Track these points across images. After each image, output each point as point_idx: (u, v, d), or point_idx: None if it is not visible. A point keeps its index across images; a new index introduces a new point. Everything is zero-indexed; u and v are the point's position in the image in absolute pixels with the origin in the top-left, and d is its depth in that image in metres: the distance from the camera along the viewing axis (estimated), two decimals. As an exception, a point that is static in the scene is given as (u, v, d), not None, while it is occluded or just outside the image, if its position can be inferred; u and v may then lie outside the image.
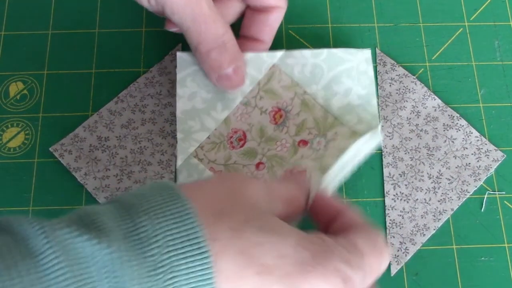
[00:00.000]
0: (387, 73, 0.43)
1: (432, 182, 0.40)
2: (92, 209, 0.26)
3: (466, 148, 0.41)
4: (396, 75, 0.43)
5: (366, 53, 0.41)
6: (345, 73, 0.40)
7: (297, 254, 0.27)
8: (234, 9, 0.40)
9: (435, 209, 0.39)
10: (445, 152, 0.41)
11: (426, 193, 0.40)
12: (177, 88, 0.39)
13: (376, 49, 0.44)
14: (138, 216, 0.25)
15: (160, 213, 0.26)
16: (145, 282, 0.24)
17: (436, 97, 0.42)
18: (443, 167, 0.41)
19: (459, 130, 0.42)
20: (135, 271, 0.24)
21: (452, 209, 0.40)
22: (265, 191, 0.30)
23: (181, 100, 0.39)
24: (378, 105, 0.41)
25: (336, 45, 0.44)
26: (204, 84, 0.39)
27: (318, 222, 0.33)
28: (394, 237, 0.39)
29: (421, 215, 0.39)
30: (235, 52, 0.38)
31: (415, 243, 0.39)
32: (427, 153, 0.41)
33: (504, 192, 0.40)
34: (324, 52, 0.40)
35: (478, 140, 0.41)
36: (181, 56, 0.39)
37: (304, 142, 0.39)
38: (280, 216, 0.30)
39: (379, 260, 0.29)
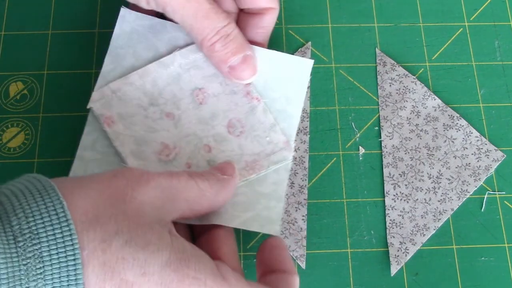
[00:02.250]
0: (387, 73, 0.43)
1: (432, 182, 0.40)
2: None
3: (466, 148, 0.41)
4: (396, 75, 0.43)
5: (308, 63, 0.40)
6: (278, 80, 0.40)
7: (163, 275, 0.27)
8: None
9: (435, 209, 0.39)
10: (445, 152, 0.41)
11: (426, 193, 0.40)
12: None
13: (376, 49, 0.44)
14: (9, 221, 0.26)
15: (32, 217, 0.26)
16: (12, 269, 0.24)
17: (436, 97, 0.42)
18: (443, 167, 0.41)
19: (459, 130, 0.42)
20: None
21: (452, 209, 0.40)
22: (162, 194, 0.29)
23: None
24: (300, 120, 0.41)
25: (336, 45, 0.44)
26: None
27: (259, 264, 0.33)
28: (394, 237, 0.39)
29: (421, 215, 0.39)
30: (240, 41, 0.37)
31: (415, 243, 0.39)
32: (427, 153, 0.41)
33: (504, 192, 0.40)
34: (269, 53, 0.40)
35: (478, 140, 0.41)
36: (123, 12, 0.39)
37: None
38: (184, 215, 0.31)
39: None
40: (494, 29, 0.45)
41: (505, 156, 0.41)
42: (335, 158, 0.41)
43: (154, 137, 0.37)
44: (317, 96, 0.43)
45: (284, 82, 0.40)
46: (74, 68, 0.43)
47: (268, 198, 0.37)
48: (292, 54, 0.43)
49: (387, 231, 0.39)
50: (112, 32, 0.44)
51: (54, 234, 0.25)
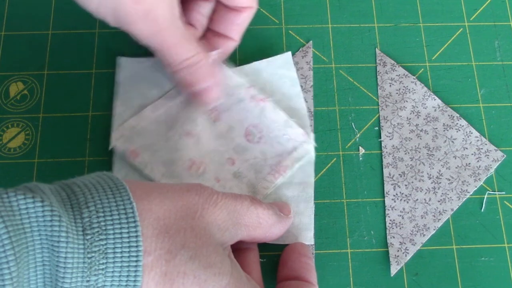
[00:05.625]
0: (387, 73, 0.43)
1: (432, 182, 0.40)
2: (42, 184, 0.26)
3: (466, 148, 0.41)
4: (396, 75, 0.43)
5: (286, 56, 0.42)
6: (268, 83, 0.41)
7: None
8: (207, 9, 0.40)
9: (435, 209, 0.39)
10: (445, 152, 0.41)
11: (426, 193, 0.40)
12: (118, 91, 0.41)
13: (376, 49, 0.44)
14: (80, 212, 0.26)
15: (102, 213, 0.26)
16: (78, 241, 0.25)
17: (436, 97, 0.42)
18: (443, 167, 0.41)
19: (459, 130, 0.42)
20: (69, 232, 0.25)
21: (452, 209, 0.40)
22: (228, 217, 0.30)
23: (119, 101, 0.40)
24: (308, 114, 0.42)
25: (336, 45, 0.44)
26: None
27: (283, 267, 0.34)
28: (394, 237, 0.39)
29: (421, 215, 0.39)
30: (205, 71, 0.37)
31: (415, 243, 0.39)
32: (427, 153, 0.41)
33: (504, 192, 0.40)
34: (245, 67, 0.42)
35: (478, 140, 0.41)
36: (120, 61, 0.41)
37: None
38: (244, 239, 0.32)
39: None
40: (494, 29, 0.45)
41: (505, 156, 0.41)
42: (335, 158, 0.41)
43: (180, 155, 0.38)
44: (317, 96, 0.43)
45: (276, 83, 0.41)
46: (74, 68, 0.43)
47: (296, 201, 0.38)
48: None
49: (387, 231, 0.39)
50: (112, 32, 0.44)
51: (120, 233, 0.25)
